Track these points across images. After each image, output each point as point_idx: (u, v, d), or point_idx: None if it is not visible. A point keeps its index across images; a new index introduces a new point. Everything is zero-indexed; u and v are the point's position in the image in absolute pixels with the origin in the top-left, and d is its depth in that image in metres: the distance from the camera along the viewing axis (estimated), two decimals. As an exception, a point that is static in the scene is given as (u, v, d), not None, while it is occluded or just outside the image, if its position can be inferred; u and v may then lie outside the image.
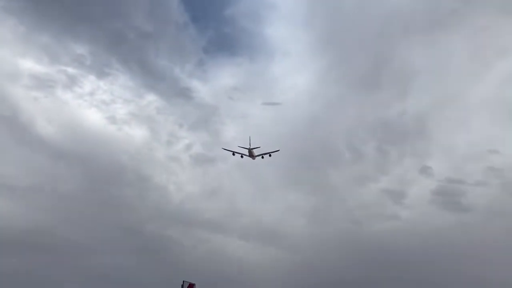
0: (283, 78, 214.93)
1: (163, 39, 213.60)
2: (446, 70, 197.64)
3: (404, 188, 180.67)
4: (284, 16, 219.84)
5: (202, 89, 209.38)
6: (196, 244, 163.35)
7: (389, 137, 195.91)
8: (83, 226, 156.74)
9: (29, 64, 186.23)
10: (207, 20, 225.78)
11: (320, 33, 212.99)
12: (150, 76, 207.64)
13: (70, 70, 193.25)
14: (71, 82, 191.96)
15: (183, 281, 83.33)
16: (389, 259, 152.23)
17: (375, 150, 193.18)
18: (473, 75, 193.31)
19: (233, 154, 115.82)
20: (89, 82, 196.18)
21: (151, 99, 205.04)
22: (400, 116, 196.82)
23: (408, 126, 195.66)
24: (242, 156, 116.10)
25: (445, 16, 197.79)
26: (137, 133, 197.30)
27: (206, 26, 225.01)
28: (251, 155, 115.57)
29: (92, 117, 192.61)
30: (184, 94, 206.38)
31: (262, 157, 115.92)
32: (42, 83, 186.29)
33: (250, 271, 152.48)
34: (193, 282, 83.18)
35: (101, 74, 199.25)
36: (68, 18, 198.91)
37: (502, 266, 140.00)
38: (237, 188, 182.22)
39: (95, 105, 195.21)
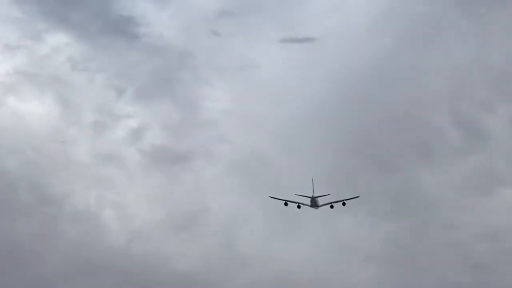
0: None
1: None
2: None
3: None
4: None
5: (159, 19, 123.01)
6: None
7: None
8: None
9: None
10: None
11: None
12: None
13: None
14: None
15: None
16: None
17: (510, 124, 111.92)
18: None
19: (286, 204, 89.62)
20: None
21: (59, 42, 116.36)
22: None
23: None
24: (299, 206, 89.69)
25: None
26: (35, 110, 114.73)
27: None
28: (314, 204, 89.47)
29: None
30: (125, 30, 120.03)
31: (332, 207, 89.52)
32: None
33: None
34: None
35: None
36: None
37: None
38: (236, 211, 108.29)
39: None
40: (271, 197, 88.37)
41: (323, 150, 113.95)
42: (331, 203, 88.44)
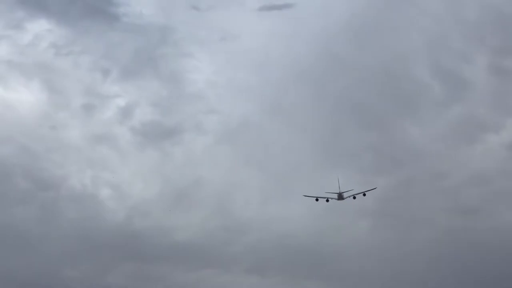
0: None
1: None
2: None
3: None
4: None
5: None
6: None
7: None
8: None
9: None
10: None
11: None
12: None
13: None
14: None
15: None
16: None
17: (489, 71, 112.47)
18: None
19: (317, 200, 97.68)
20: None
21: (41, 29, 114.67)
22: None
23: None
24: (327, 200, 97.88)
25: None
26: (24, 98, 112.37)
27: None
28: (340, 197, 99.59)
29: None
30: (105, 11, 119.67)
31: (354, 198, 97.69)
32: None
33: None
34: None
35: None
36: None
37: None
38: (230, 180, 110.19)
39: None
40: (305, 196, 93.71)
41: (309, 113, 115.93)
42: (353, 195, 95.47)
